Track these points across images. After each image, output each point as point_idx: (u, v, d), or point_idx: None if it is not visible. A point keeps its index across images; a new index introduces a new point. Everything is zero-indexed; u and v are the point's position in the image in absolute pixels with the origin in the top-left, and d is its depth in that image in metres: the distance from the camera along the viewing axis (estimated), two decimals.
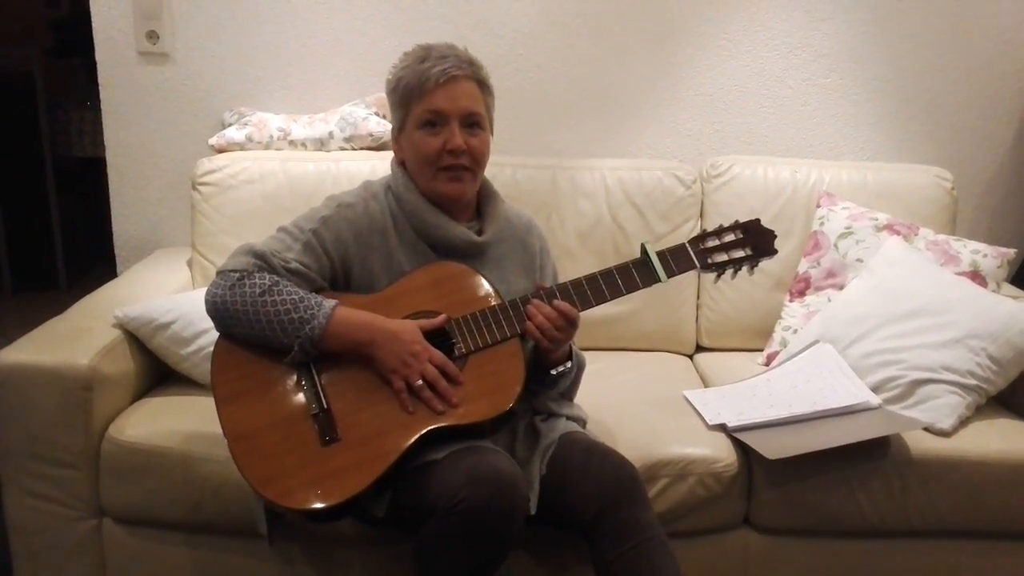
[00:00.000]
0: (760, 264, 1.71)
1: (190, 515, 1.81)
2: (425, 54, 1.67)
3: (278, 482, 1.53)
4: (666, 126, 2.62)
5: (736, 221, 1.72)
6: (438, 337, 1.63)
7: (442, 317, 1.62)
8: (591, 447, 1.69)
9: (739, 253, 1.69)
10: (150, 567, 1.88)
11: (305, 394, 1.59)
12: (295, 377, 1.60)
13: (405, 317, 1.64)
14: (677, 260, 1.67)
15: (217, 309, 1.60)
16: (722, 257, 1.69)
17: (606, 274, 1.66)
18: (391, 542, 1.76)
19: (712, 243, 1.69)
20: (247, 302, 1.56)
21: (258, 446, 1.56)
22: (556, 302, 1.63)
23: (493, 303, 1.65)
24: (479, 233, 1.74)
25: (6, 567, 1.95)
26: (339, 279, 1.68)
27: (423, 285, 1.66)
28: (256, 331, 1.57)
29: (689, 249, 1.68)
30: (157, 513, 1.83)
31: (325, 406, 1.58)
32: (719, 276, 1.71)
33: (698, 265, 1.67)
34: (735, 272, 1.70)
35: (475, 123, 1.68)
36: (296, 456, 1.55)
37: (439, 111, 1.65)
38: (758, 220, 1.73)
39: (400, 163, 1.75)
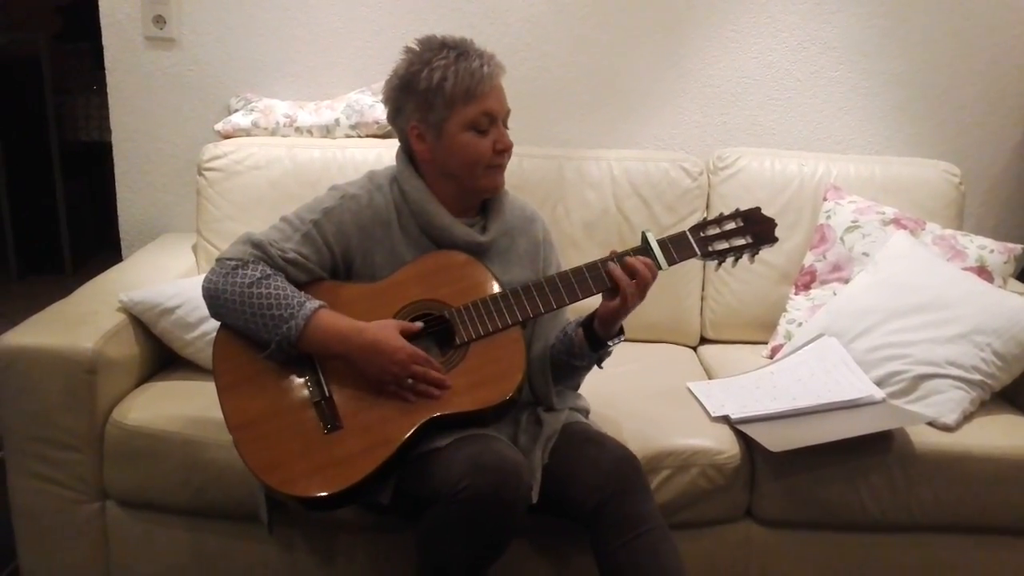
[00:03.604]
0: (760, 252, 1.69)
1: (192, 499, 1.82)
2: (459, 51, 1.62)
3: (280, 470, 1.54)
4: (673, 117, 2.61)
5: (737, 209, 1.70)
6: (439, 324, 1.63)
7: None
8: (594, 437, 1.69)
9: (740, 241, 1.68)
10: (152, 550, 1.89)
11: (307, 382, 1.59)
12: (297, 365, 1.60)
13: (403, 307, 1.63)
14: (678, 248, 1.66)
15: (210, 296, 1.60)
16: (723, 245, 1.67)
17: (606, 261, 1.65)
18: (393, 529, 1.77)
19: (713, 231, 1.68)
20: (236, 292, 1.56)
21: (260, 434, 1.56)
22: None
23: (494, 291, 1.64)
24: (483, 229, 1.73)
25: (10, 549, 1.96)
26: (340, 270, 1.68)
27: (423, 273, 1.66)
28: (242, 322, 1.58)
29: (689, 237, 1.66)
30: (160, 497, 1.84)
31: (327, 394, 1.58)
32: (720, 264, 1.70)
33: (699, 253, 1.66)
34: (736, 260, 1.69)
35: (506, 119, 1.69)
36: (298, 444, 1.55)
37: (491, 113, 1.64)
38: (759, 208, 1.71)
39: (407, 156, 1.72)
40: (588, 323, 1.70)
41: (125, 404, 1.87)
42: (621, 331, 1.70)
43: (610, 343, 1.69)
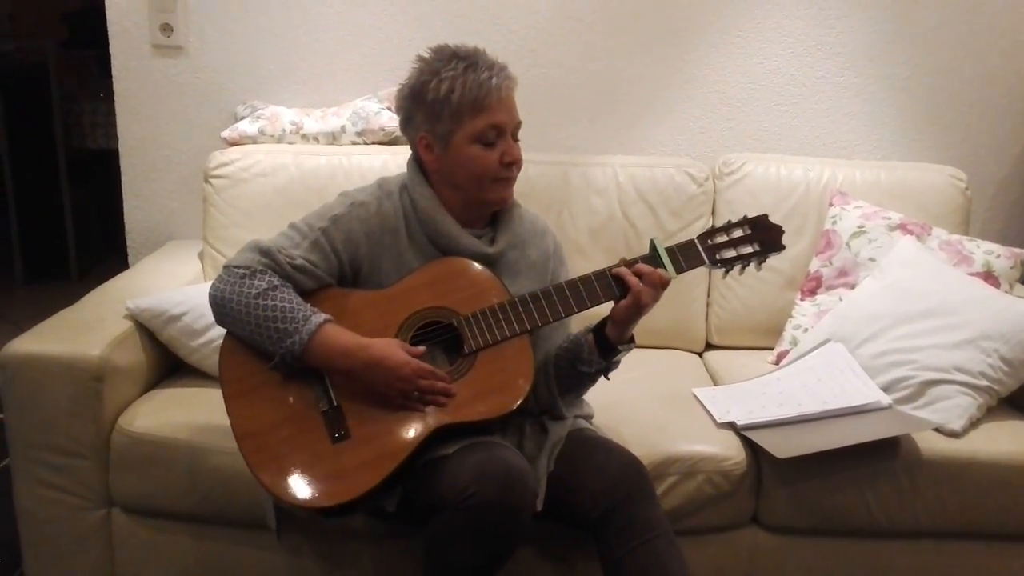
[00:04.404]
0: (768, 260, 1.69)
1: (199, 506, 1.82)
2: (469, 62, 1.61)
3: (288, 479, 1.53)
4: (679, 123, 2.61)
5: (744, 216, 1.69)
6: (447, 333, 1.63)
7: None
8: (600, 444, 1.69)
9: (747, 249, 1.67)
10: (159, 557, 1.89)
11: (314, 391, 1.59)
12: (304, 374, 1.59)
13: (411, 314, 1.63)
14: (686, 256, 1.65)
15: (217, 303, 1.60)
16: (730, 253, 1.66)
17: (614, 267, 1.64)
18: (399, 536, 1.77)
19: (721, 239, 1.67)
20: (243, 301, 1.56)
21: (267, 443, 1.56)
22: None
23: (503, 299, 1.64)
24: (492, 241, 1.72)
25: (16, 556, 1.96)
26: (347, 277, 1.68)
27: (431, 280, 1.65)
28: (247, 332, 1.57)
29: (698, 245, 1.66)
30: (166, 504, 1.84)
31: (335, 403, 1.58)
32: (727, 272, 1.69)
33: (707, 261, 1.65)
34: (743, 268, 1.68)
35: (517, 132, 1.68)
36: (306, 453, 1.55)
37: (499, 125, 1.62)
38: (766, 216, 1.70)
39: (417, 165, 1.71)
40: (599, 328, 1.69)
41: (131, 411, 1.87)
42: (632, 339, 1.69)
43: (621, 347, 1.67)
